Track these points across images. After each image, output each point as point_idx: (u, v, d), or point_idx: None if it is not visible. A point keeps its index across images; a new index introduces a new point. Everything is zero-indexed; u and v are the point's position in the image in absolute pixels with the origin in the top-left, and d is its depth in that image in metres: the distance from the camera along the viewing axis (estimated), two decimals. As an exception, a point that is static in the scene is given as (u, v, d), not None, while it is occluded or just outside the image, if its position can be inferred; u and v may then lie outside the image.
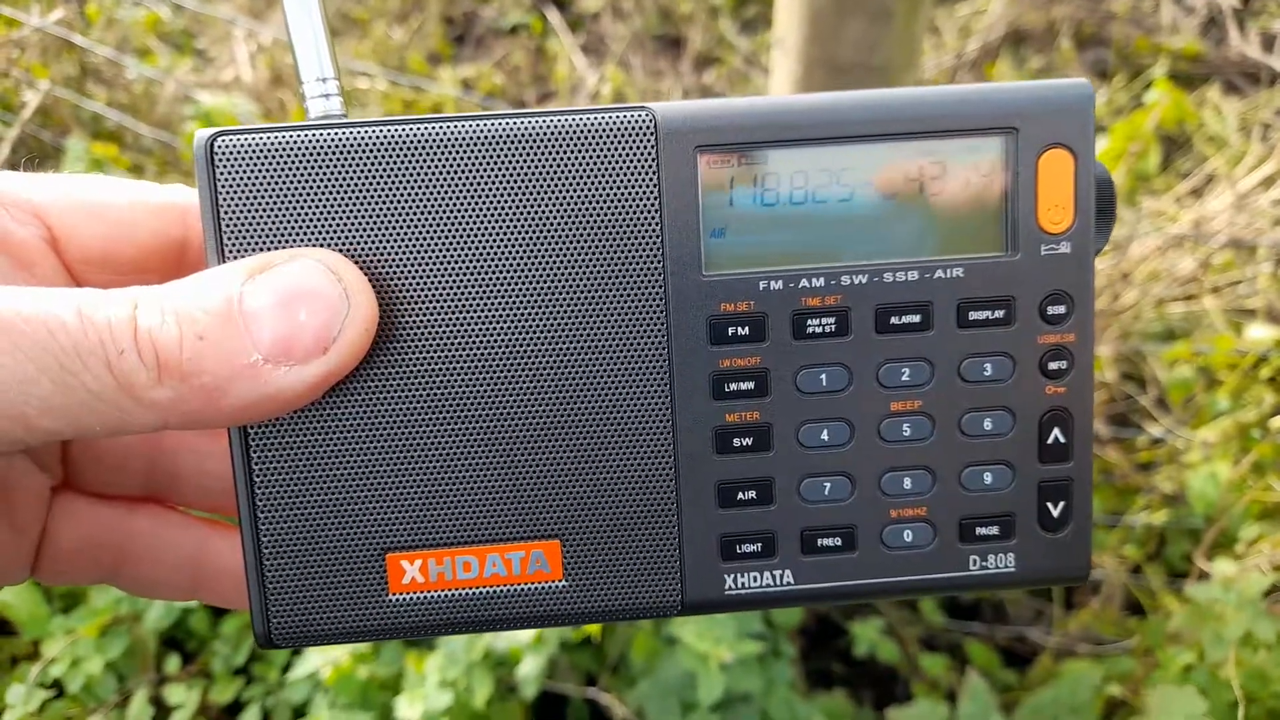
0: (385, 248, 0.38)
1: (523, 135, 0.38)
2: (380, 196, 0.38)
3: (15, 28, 2.50)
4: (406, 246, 0.38)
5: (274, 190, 0.38)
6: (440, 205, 0.38)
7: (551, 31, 3.14)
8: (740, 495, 0.40)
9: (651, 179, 0.39)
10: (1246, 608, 1.19)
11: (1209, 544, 1.39)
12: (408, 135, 0.37)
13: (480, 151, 0.38)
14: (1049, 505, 0.41)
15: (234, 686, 1.41)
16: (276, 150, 0.37)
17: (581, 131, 0.38)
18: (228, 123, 2.01)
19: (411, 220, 0.38)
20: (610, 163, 0.38)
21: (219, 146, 0.37)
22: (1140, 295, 1.49)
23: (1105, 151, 1.80)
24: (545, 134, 0.38)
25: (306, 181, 0.38)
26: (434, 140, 0.38)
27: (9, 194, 0.38)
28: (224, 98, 2.21)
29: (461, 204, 0.38)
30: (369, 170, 0.38)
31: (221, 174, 0.37)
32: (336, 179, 0.38)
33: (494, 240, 0.38)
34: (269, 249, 0.38)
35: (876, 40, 1.27)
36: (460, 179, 0.38)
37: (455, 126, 0.38)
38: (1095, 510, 1.63)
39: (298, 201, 0.38)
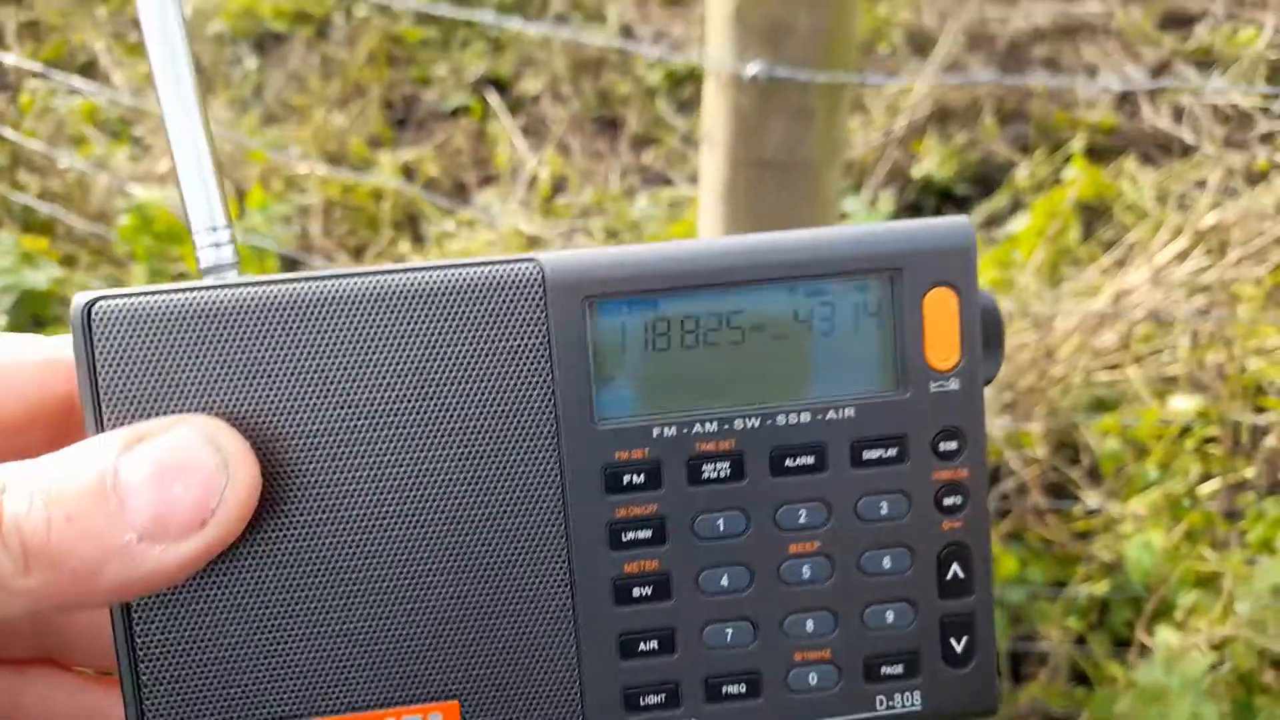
0: (269, 409, 0.37)
1: (408, 292, 0.38)
2: (263, 356, 0.37)
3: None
4: (291, 408, 0.37)
5: (154, 354, 0.37)
6: (324, 364, 0.38)
7: (492, 114, 3.19)
8: (642, 646, 0.40)
9: (541, 331, 0.39)
10: (1190, 690, 1.21)
11: (1150, 614, 1.42)
12: (288, 294, 0.37)
13: (365, 309, 0.38)
14: (952, 640, 0.41)
15: None
16: (155, 313, 0.37)
17: (467, 287, 0.38)
18: (160, 217, 2.00)
19: (295, 381, 0.37)
20: (498, 317, 0.38)
21: (96, 312, 0.37)
22: (1067, 369, 1.53)
23: (1027, 229, 1.87)
24: (430, 290, 0.38)
25: (187, 343, 0.37)
26: (315, 299, 0.37)
27: None
28: (158, 190, 2.19)
29: (346, 363, 0.38)
30: (250, 330, 0.37)
31: (99, 340, 0.37)
32: (218, 340, 0.37)
33: (382, 399, 0.38)
34: (150, 415, 0.37)
35: (800, 137, 1.31)
36: (344, 337, 0.38)
37: (338, 284, 0.37)
38: (1037, 581, 1.64)
39: (179, 364, 0.37)
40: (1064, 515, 1.61)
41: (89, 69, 3.50)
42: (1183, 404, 1.45)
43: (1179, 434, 1.48)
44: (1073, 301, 1.56)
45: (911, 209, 2.60)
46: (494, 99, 3.22)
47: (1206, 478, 1.46)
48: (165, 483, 0.34)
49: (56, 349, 0.40)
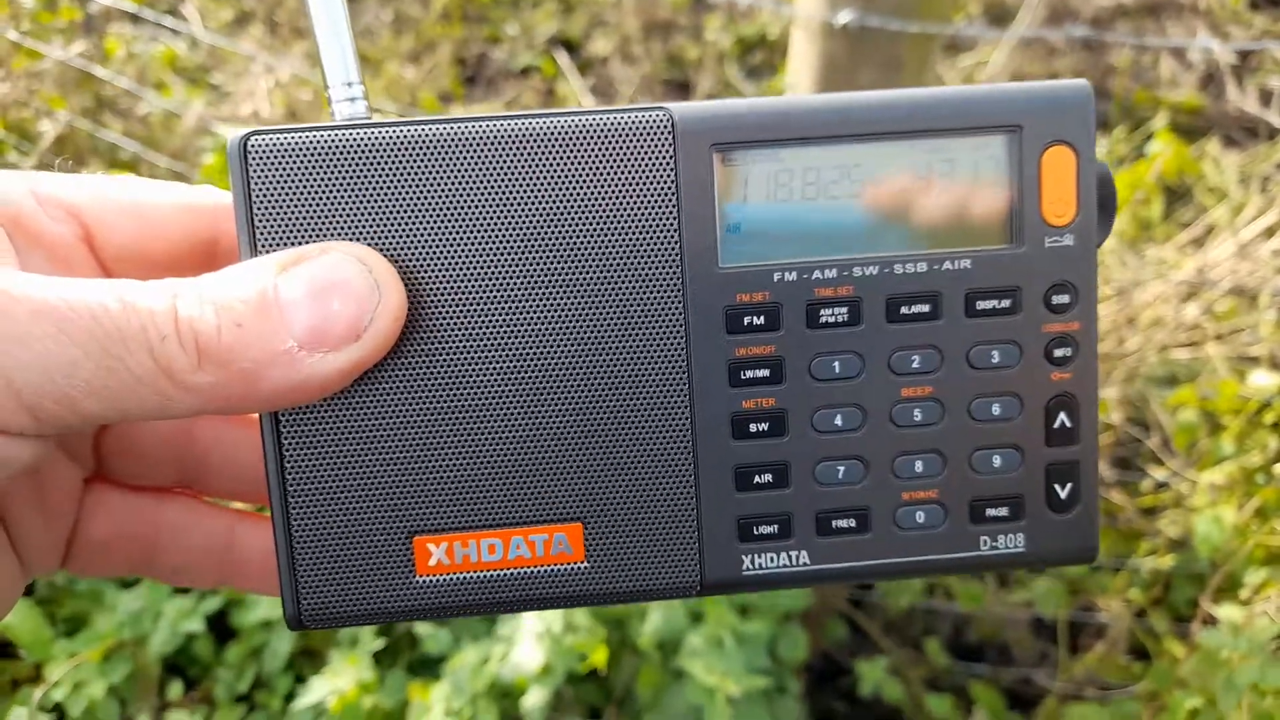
0: (411, 242, 0.39)
1: (545, 134, 0.39)
2: (406, 193, 0.39)
3: (36, 59, 2.54)
4: (431, 241, 0.39)
5: (304, 187, 0.39)
6: (464, 201, 0.39)
7: (562, 74, 3.20)
8: (757, 479, 0.42)
9: (669, 176, 0.40)
10: (1256, 654, 1.19)
11: (1214, 588, 1.40)
12: (431, 135, 0.39)
13: (503, 150, 0.39)
14: (1056, 487, 0.43)
15: (236, 714, 1.40)
16: (307, 149, 0.39)
17: (603, 130, 0.40)
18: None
19: (436, 215, 0.39)
20: (630, 161, 0.40)
21: (252, 145, 0.39)
22: (1144, 341, 1.51)
23: (1108, 199, 1.84)
24: (567, 133, 0.40)
25: (336, 179, 0.39)
26: (457, 139, 0.39)
27: (46, 193, 0.39)
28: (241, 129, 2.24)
29: (485, 200, 0.39)
30: (395, 168, 0.39)
31: (254, 172, 0.39)
32: (364, 176, 0.39)
33: (517, 235, 0.40)
34: (299, 244, 0.39)
35: (889, 88, 1.30)
36: (484, 176, 0.39)
37: (478, 126, 0.39)
38: (1100, 554, 1.63)
39: (327, 198, 0.39)
40: (1131, 489, 1.59)
41: (171, 16, 3.57)
42: (1264, 379, 1.43)
43: (1257, 410, 1.46)
44: (1154, 270, 1.53)
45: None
46: (563, 59, 3.23)
47: (1284, 455, 1.43)
48: (322, 298, 0.36)
49: (198, 195, 0.42)
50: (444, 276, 0.40)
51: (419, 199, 0.39)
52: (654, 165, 0.40)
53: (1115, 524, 1.60)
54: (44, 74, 2.58)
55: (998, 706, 1.49)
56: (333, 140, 0.39)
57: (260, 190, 0.39)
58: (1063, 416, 0.42)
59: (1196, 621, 1.43)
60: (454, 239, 0.39)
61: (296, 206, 0.39)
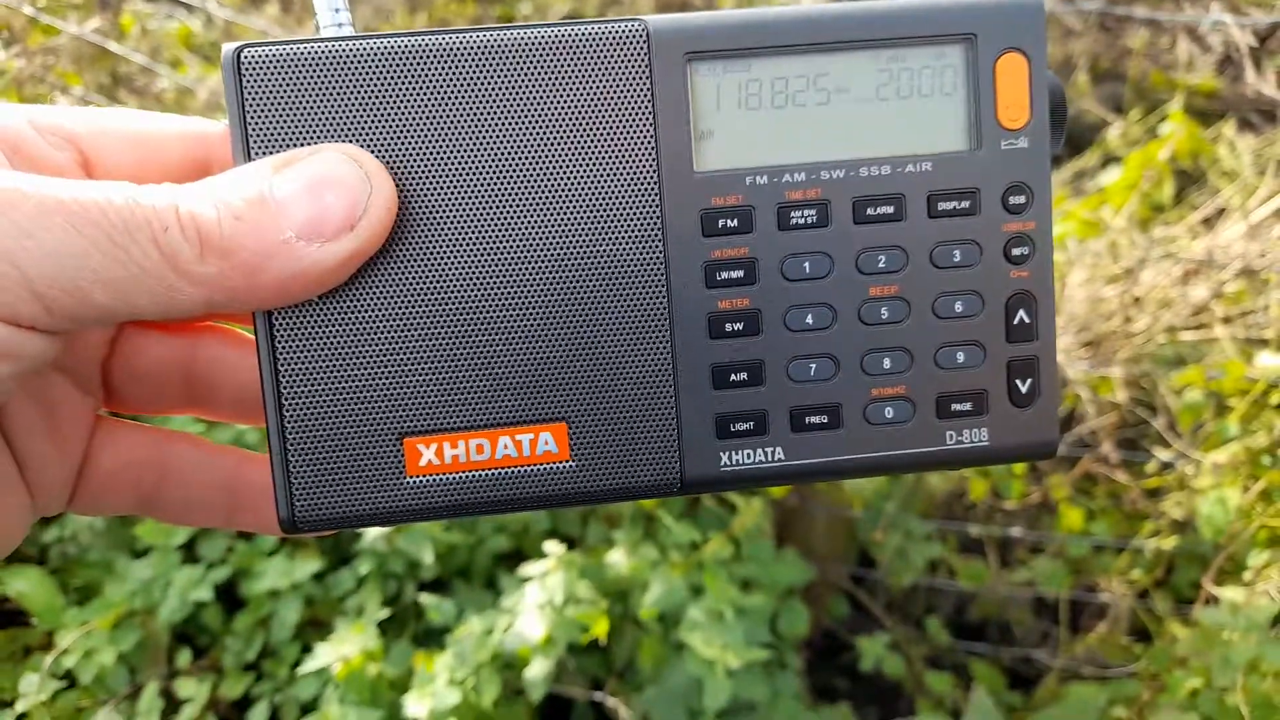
0: (398, 146, 0.41)
1: (526, 44, 0.41)
2: (392, 100, 0.41)
3: (53, 35, 2.56)
4: (417, 146, 0.41)
5: (296, 95, 0.40)
6: (448, 108, 0.41)
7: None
8: (733, 377, 0.43)
9: (644, 83, 0.42)
10: (1255, 633, 1.19)
11: (1217, 569, 1.40)
12: (416, 45, 0.41)
13: (485, 59, 0.41)
14: (1018, 382, 0.44)
15: (244, 682, 1.42)
16: (297, 59, 0.40)
17: (580, 40, 0.41)
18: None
19: (421, 121, 0.41)
20: (607, 69, 0.41)
21: (245, 57, 0.40)
22: (1152, 321, 1.50)
23: (1118, 182, 1.82)
24: (548, 43, 0.41)
25: (325, 87, 0.40)
26: (440, 49, 0.41)
27: (45, 122, 0.41)
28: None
29: (468, 106, 0.41)
30: (381, 76, 0.41)
31: (247, 82, 0.40)
32: (352, 85, 0.41)
33: (499, 141, 0.41)
34: (295, 146, 0.41)
35: None
36: (466, 84, 0.41)
37: (460, 37, 0.41)
38: (1103, 533, 1.63)
39: (318, 105, 0.40)
40: (1135, 470, 1.59)
41: (185, -6, 3.58)
42: (1271, 360, 1.42)
43: (1263, 391, 1.45)
44: (1163, 250, 1.52)
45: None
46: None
47: (1290, 437, 1.43)
48: (317, 192, 0.38)
49: (195, 124, 0.44)
50: (429, 180, 0.41)
51: (404, 106, 0.41)
52: (630, 73, 0.41)
53: (1119, 505, 1.60)
54: (60, 50, 2.60)
55: (998, 685, 1.50)
56: (322, 50, 0.41)
57: (253, 99, 0.40)
58: (1021, 313, 0.44)
59: (1199, 603, 1.43)
60: (439, 144, 0.41)
61: (288, 114, 0.40)
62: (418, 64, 0.41)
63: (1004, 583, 1.54)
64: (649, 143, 0.42)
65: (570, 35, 0.41)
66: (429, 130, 0.41)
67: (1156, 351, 1.55)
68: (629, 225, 0.42)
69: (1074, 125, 2.74)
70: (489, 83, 0.41)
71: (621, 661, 1.37)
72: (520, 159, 0.41)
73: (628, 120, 0.42)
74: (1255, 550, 1.42)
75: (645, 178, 0.42)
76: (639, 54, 0.41)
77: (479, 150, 0.41)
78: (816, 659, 1.64)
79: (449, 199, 0.41)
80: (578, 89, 0.41)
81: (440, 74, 0.41)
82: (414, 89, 0.41)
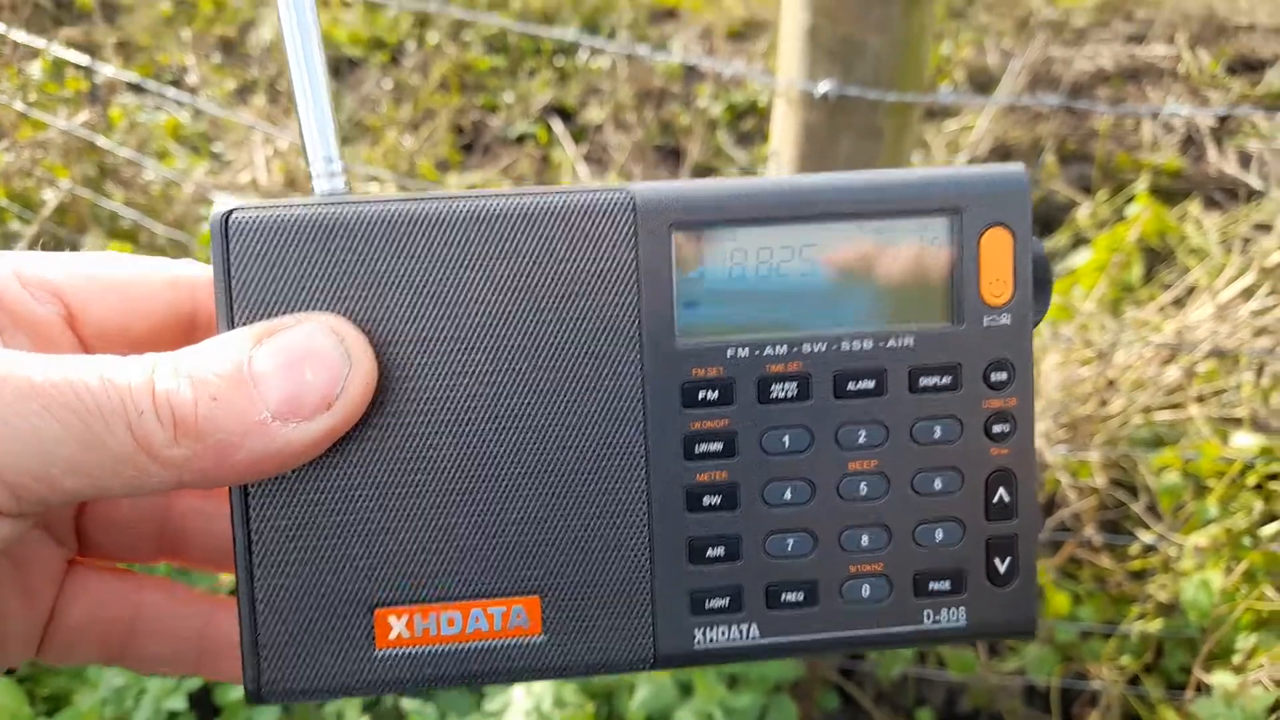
0: (383, 315, 0.41)
1: (511, 214, 0.41)
2: (378, 268, 0.41)
3: (42, 129, 2.60)
4: (402, 314, 0.41)
5: (282, 261, 0.40)
6: (434, 276, 0.41)
7: (556, 141, 3.27)
8: (709, 552, 0.42)
9: (630, 254, 0.42)
10: (1247, 722, 1.18)
11: (1206, 654, 1.39)
12: (404, 211, 0.41)
13: (471, 227, 0.41)
14: (996, 561, 0.44)
15: (218, 791, 1.37)
16: (286, 225, 0.40)
17: (566, 210, 0.41)
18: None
19: (407, 290, 0.41)
20: (592, 239, 0.41)
21: (234, 220, 0.40)
22: (1127, 403, 1.52)
23: (1088, 264, 1.86)
24: (531, 211, 0.41)
25: (312, 253, 0.40)
26: (427, 217, 0.41)
27: (30, 275, 0.41)
28: (240, 199, 2.28)
29: (454, 275, 0.41)
30: (368, 243, 0.41)
31: (234, 246, 0.40)
32: (339, 251, 0.40)
33: (483, 310, 0.41)
34: (275, 316, 0.40)
35: (868, 156, 1.33)
36: (452, 253, 0.41)
37: (449, 204, 0.41)
38: (1090, 617, 1.62)
39: (304, 272, 0.40)
40: (1119, 553, 1.59)
41: (175, 86, 3.66)
42: (1246, 441, 1.43)
43: (1240, 472, 1.46)
44: (1134, 333, 1.55)
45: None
46: (558, 126, 3.30)
47: (1269, 518, 1.43)
48: (296, 368, 0.37)
49: (181, 269, 0.44)
50: (413, 349, 0.41)
51: (391, 274, 0.41)
52: (615, 244, 0.42)
53: (1105, 588, 1.59)
54: (49, 143, 2.64)
55: (992, 776, 1.47)
56: (310, 216, 0.40)
57: (239, 264, 0.40)
58: (1001, 491, 0.44)
59: (1190, 689, 1.41)
60: (423, 313, 0.41)
61: (274, 280, 0.40)
62: (406, 232, 0.41)
63: (994, 671, 1.53)
64: (632, 313, 0.42)
65: (556, 205, 0.41)
66: (414, 298, 0.41)
67: (1134, 433, 1.56)
68: (609, 397, 0.42)
69: (1044, 205, 2.80)
70: (475, 251, 0.41)
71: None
72: (502, 328, 0.41)
73: (611, 290, 0.42)
74: (1243, 633, 1.41)
75: (627, 348, 0.42)
76: (624, 224, 0.42)
77: (462, 318, 0.41)
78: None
79: (430, 368, 0.41)
80: (562, 259, 0.41)
81: (427, 242, 0.41)
82: (401, 257, 0.41)
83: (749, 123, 3.26)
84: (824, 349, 0.43)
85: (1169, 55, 3.57)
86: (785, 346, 0.42)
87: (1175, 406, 1.65)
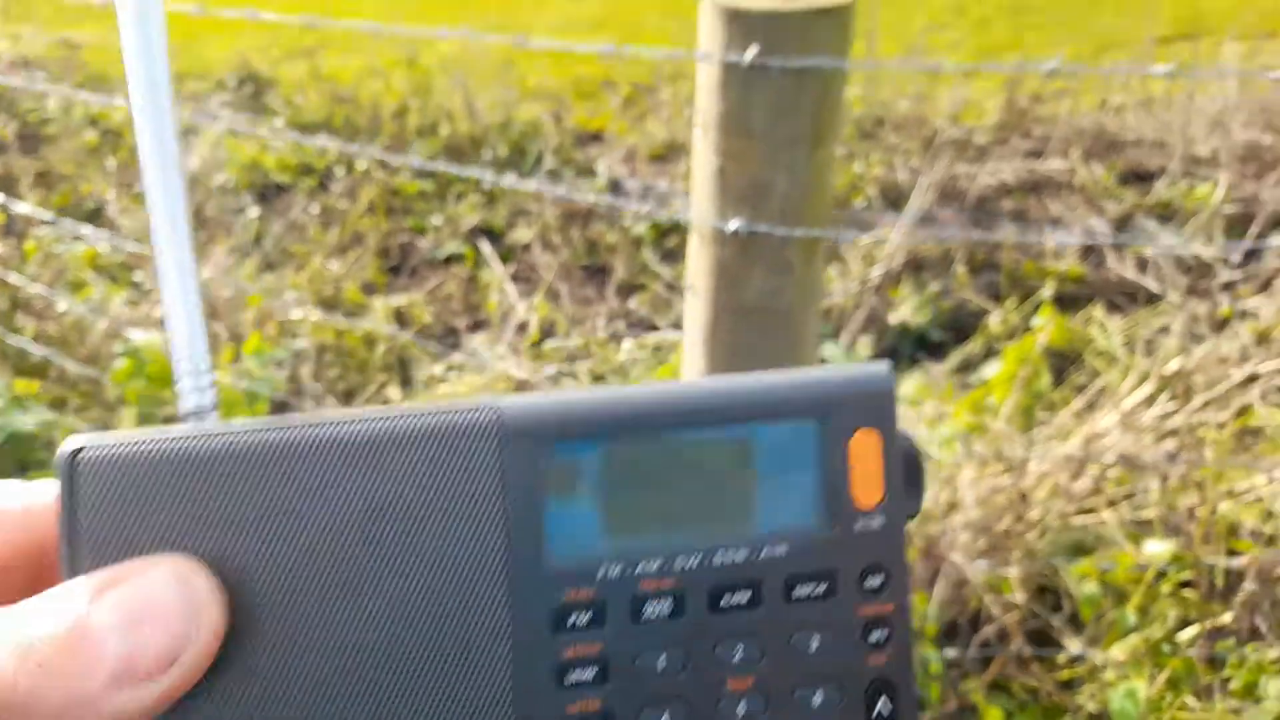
0: (241, 548, 0.39)
1: (369, 439, 0.40)
2: (234, 500, 0.39)
3: (-50, 267, 2.54)
4: (259, 548, 0.39)
5: (133, 499, 0.39)
6: (291, 507, 0.40)
7: (484, 262, 3.30)
8: None
9: (495, 476, 0.41)
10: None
11: (1138, 766, 1.38)
12: (256, 443, 0.40)
13: (327, 456, 0.40)
14: None
15: None
16: (138, 462, 0.39)
17: (426, 434, 0.41)
18: (155, 360, 2.04)
19: (263, 522, 0.40)
20: (455, 463, 0.41)
21: (81, 459, 0.38)
22: (1043, 513, 1.55)
23: (1000, 374, 1.93)
24: (391, 437, 0.40)
25: (164, 489, 0.39)
26: (281, 447, 0.40)
27: None
28: (155, 334, 2.25)
29: (312, 505, 0.40)
30: (225, 477, 0.39)
31: (81, 486, 0.38)
32: (195, 488, 0.39)
33: (346, 539, 0.40)
34: (125, 557, 0.38)
35: (779, 287, 1.37)
36: (310, 482, 0.40)
37: (304, 433, 0.40)
38: (1026, 732, 1.60)
39: (157, 509, 0.39)
40: (1048, 664, 1.59)
41: (96, 215, 3.63)
42: (1157, 548, 1.47)
43: (1155, 578, 1.49)
44: (1045, 446, 1.59)
45: (889, 353, 2.67)
46: (486, 247, 3.34)
47: (1185, 623, 1.46)
48: (136, 625, 0.35)
49: (41, 494, 0.41)
50: (270, 585, 0.39)
51: (246, 505, 0.39)
52: (480, 466, 0.41)
53: (1038, 699, 1.59)
54: (-43, 280, 2.58)
55: None
56: (163, 451, 0.39)
57: (86, 505, 0.38)
58: (882, 701, 0.43)
59: (1126, 802, 1.40)
60: (283, 544, 0.40)
61: (124, 520, 0.39)
62: (264, 463, 0.40)
63: (932, 795, 1.50)
64: (499, 537, 0.40)
65: (419, 429, 0.41)
66: (274, 530, 0.39)
67: (1054, 539, 1.59)
68: (476, 625, 0.40)
69: (957, 313, 2.91)
70: (337, 479, 0.40)
71: None
72: (366, 560, 0.40)
73: (476, 514, 0.40)
74: (1173, 742, 1.42)
75: (493, 573, 0.40)
76: (489, 444, 0.41)
77: (324, 549, 0.40)
78: None
79: (290, 603, 0.39)
80: (426, 486, 0.40)
81: (288, 472, 0.40)
82: (259, 489, 0.39)
83: (673, 239, 3.35)
84: (697, 562, 0.42)
85: (1065, 169, 3.80)
86: (658, 561, 0.41)
87: (1089, 511, 1.69)
